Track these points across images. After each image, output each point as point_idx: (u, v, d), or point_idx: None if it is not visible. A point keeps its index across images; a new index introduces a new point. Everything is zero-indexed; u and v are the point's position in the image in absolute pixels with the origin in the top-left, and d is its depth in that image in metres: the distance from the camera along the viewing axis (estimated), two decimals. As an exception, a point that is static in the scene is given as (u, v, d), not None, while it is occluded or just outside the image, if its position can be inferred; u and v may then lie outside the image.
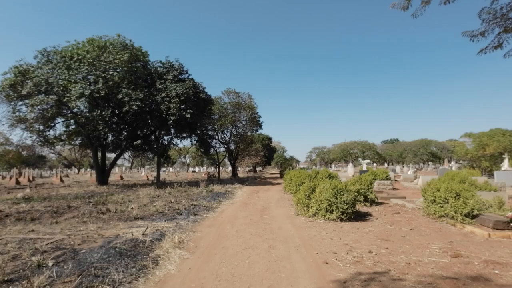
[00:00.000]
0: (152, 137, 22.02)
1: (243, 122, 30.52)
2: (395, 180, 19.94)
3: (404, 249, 4.65)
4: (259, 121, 30.58)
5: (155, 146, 21.14)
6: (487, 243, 4.99)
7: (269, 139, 50.21)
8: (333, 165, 69.68)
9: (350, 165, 34.52)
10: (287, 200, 11.41)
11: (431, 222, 6.73)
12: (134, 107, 16.44)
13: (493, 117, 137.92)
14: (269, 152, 49.01)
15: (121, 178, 31.62)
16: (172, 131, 22.05)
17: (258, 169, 56.46)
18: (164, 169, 64.62)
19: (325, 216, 7.10)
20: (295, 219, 7.42)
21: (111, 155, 29.13)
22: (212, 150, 29.02)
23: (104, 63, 17.29)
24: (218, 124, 28.82)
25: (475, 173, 15.66)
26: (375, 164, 53.38)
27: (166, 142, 23.46)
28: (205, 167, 58.54)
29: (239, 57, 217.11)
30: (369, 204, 9.49)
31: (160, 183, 19.63)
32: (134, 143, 21.35)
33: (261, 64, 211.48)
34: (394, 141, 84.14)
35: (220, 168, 42.16)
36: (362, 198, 9.37)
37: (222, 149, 32.09)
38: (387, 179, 16.78)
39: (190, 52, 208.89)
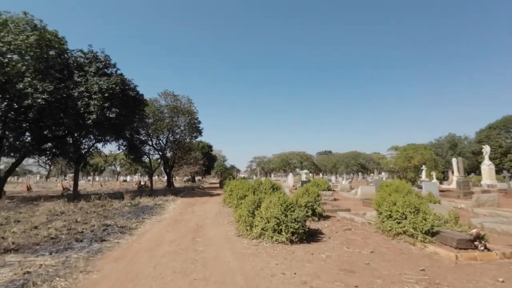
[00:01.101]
0: (69, 139, 18.37)
1: (182, 128, 28.15)
2: (333, 190, 20.06)
3: (377, 286, 3.57)
4: (199, 127, 28.50)
5: (70, 150, 17.56)
6: (460, 269, 4.25)
7: (210, 147, 48.25)
8: (272, 175, 70.51)
9: (290, 175, 34.66)
10: (227, 215, 9.91)
11: (388, 241, 5.96)
12: (39, 100, 13.22)
13: (409, 132, 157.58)
14: (209, 160, 46.96)
15: (28, 188, 26.19)
16: (96, 133, 18.72)
17: (197, 178, 53.68)
18: (89, 178, 57.40)
19: (272, 237, 5.81)
20: (235, 243, 5.96)
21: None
22: (145, 157, 25.89)
23: (0, 44, 13.71)
24: (153, 129, 25.99)
25: (406, 183, 16.35)
26: (311, 174, 55.32)
27: (86, 146, 19.90)
28: (137, 176, 53.48)
29: (178, 61, 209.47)
30: (317, 218, 8.60)
31: (72, 195, 16.25)
32: (43, 146, 17.45)
33: (202, 70, 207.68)
34: (328, 153, 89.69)
35: (155, 177, 38.56)
36: (310, 212, 8.42)
37: (157, 156, 29.12)
38: (329, 190, 16.59)
39: (124, 50, 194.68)
